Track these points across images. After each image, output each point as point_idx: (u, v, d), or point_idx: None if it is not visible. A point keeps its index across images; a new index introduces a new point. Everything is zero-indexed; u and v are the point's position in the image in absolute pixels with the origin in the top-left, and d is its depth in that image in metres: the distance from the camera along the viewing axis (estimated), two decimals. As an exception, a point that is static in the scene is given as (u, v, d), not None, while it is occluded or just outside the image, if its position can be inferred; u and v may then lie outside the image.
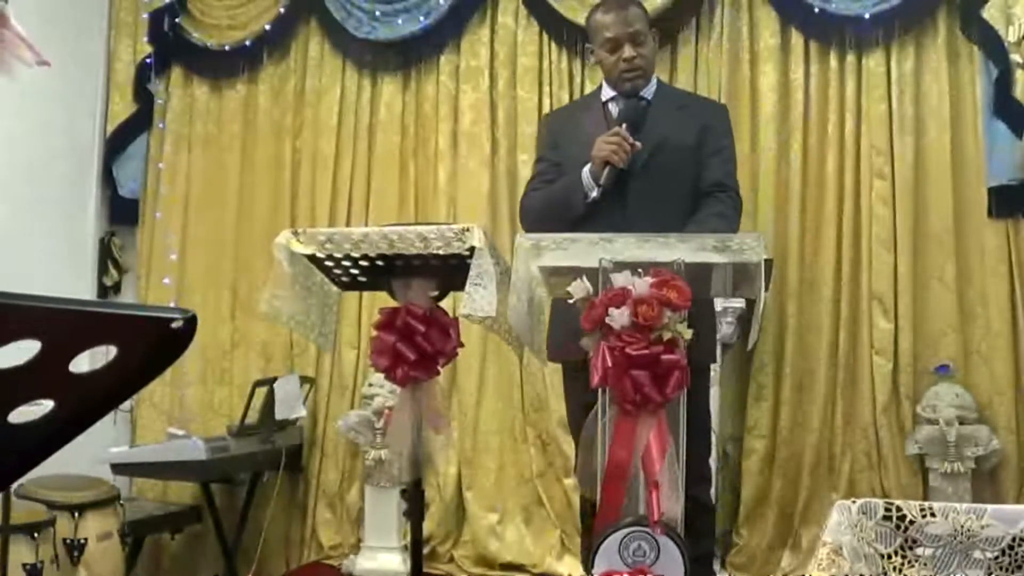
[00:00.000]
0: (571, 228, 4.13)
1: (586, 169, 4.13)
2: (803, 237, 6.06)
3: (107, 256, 7.06)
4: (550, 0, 6.40)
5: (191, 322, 0.98)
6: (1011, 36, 5.62)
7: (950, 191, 5.92)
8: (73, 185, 6.90)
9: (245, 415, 6.05)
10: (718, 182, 4.25)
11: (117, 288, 7.10)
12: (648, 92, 4.36)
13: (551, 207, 4.31)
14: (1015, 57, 5.63)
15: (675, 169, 4.21)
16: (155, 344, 0.99)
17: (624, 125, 4.13)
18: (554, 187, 4.34)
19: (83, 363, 1.01)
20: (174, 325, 0.98)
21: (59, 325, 0.97)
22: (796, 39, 6.21)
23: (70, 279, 6.73)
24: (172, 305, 6.66)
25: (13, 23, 3.12)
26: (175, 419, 6.69)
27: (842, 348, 5.98)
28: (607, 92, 4.43)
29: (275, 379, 6.26)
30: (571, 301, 3.41)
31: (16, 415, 1.04)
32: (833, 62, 6.13)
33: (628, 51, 4.29)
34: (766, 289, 3.63)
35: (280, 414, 6.18)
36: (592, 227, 4.00)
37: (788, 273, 5.99)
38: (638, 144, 4.07)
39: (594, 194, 4.12)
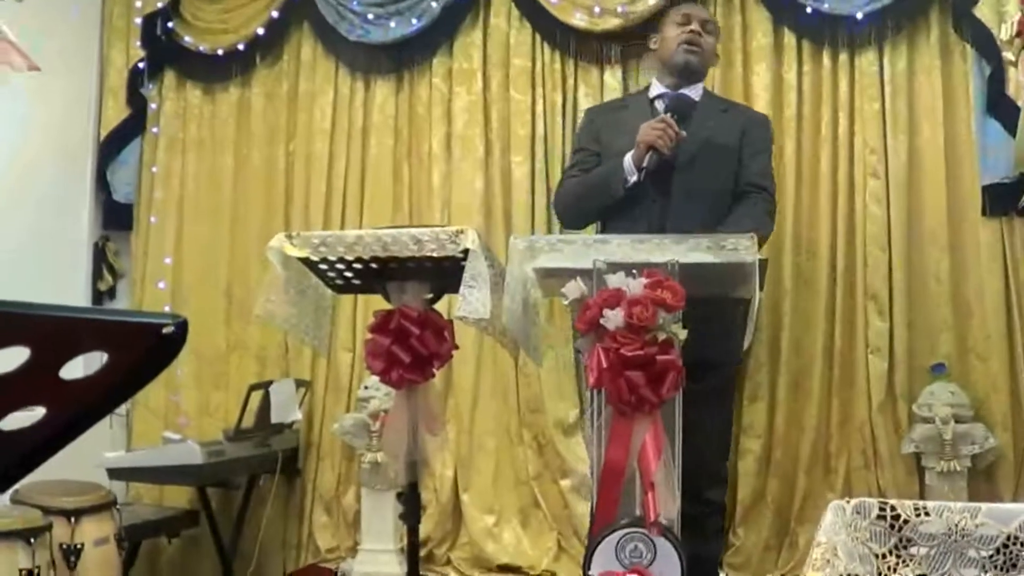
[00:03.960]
0: (610, 215, 4.17)
1: (628, 155, 4.17)
2: (797, 236, 6.05)
3: (101, 261, 7.06)
4: (542, 1, 6.40)
5: (182, 327, 0.98)
6: (1003, 34, 5.60)
7: (944, 189, 5.92)
8: (67, 190, 6.90)
9: (241, 419, 6.05)
10: (754, 182, 4.30)
11: (112, 293, 7.09)
12: (695, 93, 4.41)
13: (589, 191, 4.36)
14: (1007, 55, 5.61)
15: (716, 168, 4.26)
16: (146, 350, 0.99)
17: (671, 115, 4.17)
18: (592, 173, 4.38)
19: (74, 369, 1.01)
20: (165, 331, 0.97)
21: (48, 332, 0.97)
22: (789, 38, 6.20)
23: (64, 284, 6.73)
24: (167, 309, 6.69)
25: (3, 29, 3.12)
26: (171, 423, 6.68)
27: (837, 347, 5.97)
28: (656, 89, 4.48)
29: (271, 383, 6.26)
30: (565, 303, 3.42)
31: (7, 422, 1.04)
32: (826, 61, 6.14)
33: (695, 26, 4.37)
34: (761, 289, 3.64)
35: (276, 418, 6.18)
36: (632, 216, 4.07)
37: (783, 272, 5.99)
38: (683, 133, 4.10)
39: (634, 179, 4.16)
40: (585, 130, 4.75)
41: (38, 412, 1.04)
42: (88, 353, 1.00)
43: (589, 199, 4.35)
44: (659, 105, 4.42)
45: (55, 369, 0.99)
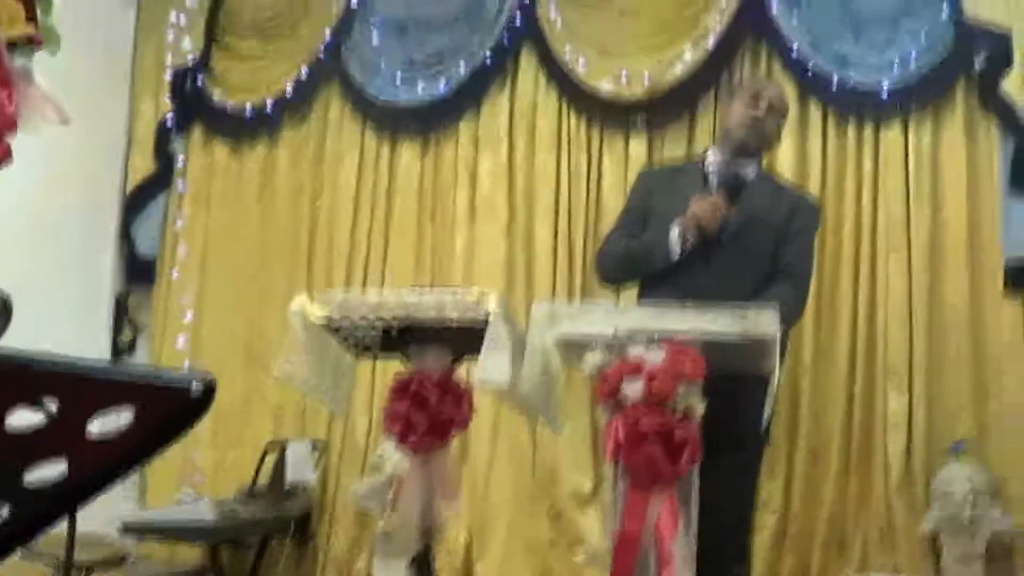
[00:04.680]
0: (648, 281, 4.19)
1: (675, 229, 4.18)
2: (818, 309, 6.03)
3: (122, 314, 7.08)
4: (569, 68, 6.44)
5: (210, 388, 0.98)
6: (1029, 110, 5.64)
7: (966, 265, 5.90)
8: (91, 242, 6.93)
9: (256, 478, 6.04)
10: (791, 264, 4.30)
11: (132, 346, 7.11)
12: (749, 171, 4.43)
13: (632, 258, 4.39)
14: (1032, 130, 5.65)
15: (758, 246, 4.27)
16: (173, 409, 0.99)
17: (721, 192, 4.19)
18: (638, 240, 4.39)
19: (100, 425, 1.00)
20: (193, 391, 0.97)
21: (77, 387, 0.97)
22: (814, 110, 6.22)
23: (85, 336, 6.74)
24: (186, 365, 6.70)
25: (38, 80, 3.15)
26: (186, 479, 6.66)
27: (856, 423, 5.93)
28: (711, 160, 4.51)
29: (287, 442, 6.24)
30: (585, 373, 3.41)
31: (31, 475, 1.03)
32: (851, 134, 6.15)
33: (762, 109, 4.40)
34: (781, 363, 3.62)
35: (291, 477, 6.16)
36: (673, 284, 4.07)
37: (803, 346, 5.96)
38: (731, 211, 4.12)
39: (677, 251, 4.17)
40: (637, 192, 4.77)
41: (61, 466, 1.03)
42: (115, 409, 1.00)
43: (633, 264, 4.40)
44: (712, 178, 4.45)
45: (81, 424, 0.99)
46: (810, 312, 5.97)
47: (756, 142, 4.50)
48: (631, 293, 4.90)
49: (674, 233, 4.20)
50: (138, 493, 6.81)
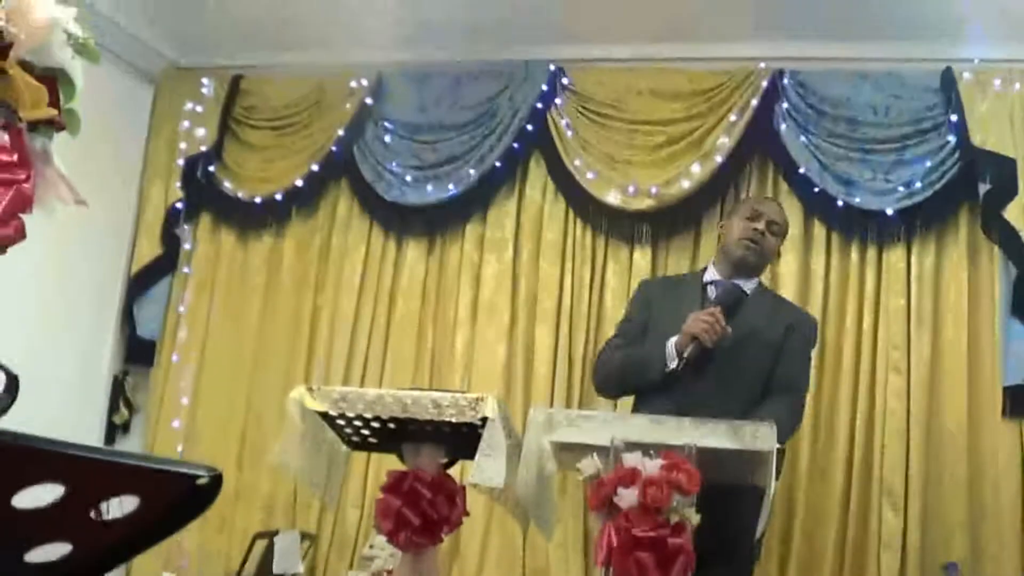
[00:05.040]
0: (643, 393, 4.20)
1: (672, 340, 4.19)
2: (816, 425, 6.04)
3: (119, 394, 7.07)
4: (578, 177, 6.50)
5: (216, 480, 0.99)
6: (1031, 237, 5.69)
7: (965, 388, 5.92)
8: (93, 321, 6.96)
9: (243, 567, 6.00)
10: (788, 379, 4.32)
11: (126, 427, 7.09)
12: (748, 287, 4.45)
13: (629, 369, 4.39)
14: (1034, 258, 5.69)
15: (755, 361, 4.29)
16: (179, 498, 1.00)
17: (720, 308, 4.21)
18: (635, 351, 4.41)
19: (106, 510, 1.02)
20: (199, 482, 0.99)
21: (84, 472, 0.98)
22: (819, 230, 6.28)
23: (80, 414, 6.74)
24: (179, 448, 6.68)
25: (56, 162, 3.19)
26: (171, 564, 6.61)
27: (850, 540, 5.91)
28: (710, 275, 4.54)
29: (276, 532, 6.21)
30: (580, 478, 3.41)
31: (33, 555, 1.04)
32: (854, 255, 6.19)
33: (761, 226, 4.43)
34: (777, 478, 3.63)
35: (278, 568, 6.12)
36: (666, 397, 4.07)
37: (799, 461, 5.96)
38: (729, 330, 4.14)
39: (673, 364, 4.18)
40: (636, 301, 4.79)
41: (64, 548, 1.04)
42: (122, 495, 1.01)
43: (628, 377, 4.39)
44: (711, 291, 4.47)
45: (86, 508, 1.01)
46: (808, 427, 5.98)
47: (755, 259, 4.53)
48: (628, 400, 4.91)
49: (670, 345, 4.22)
50: (123, 574, 6.76)
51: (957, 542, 5.79)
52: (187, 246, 7.24)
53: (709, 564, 3.52)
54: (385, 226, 6.93)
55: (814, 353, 5.97)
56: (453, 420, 3.90)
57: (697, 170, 6.33)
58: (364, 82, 6.98)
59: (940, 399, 5.96)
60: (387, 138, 6.91)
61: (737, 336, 4.22)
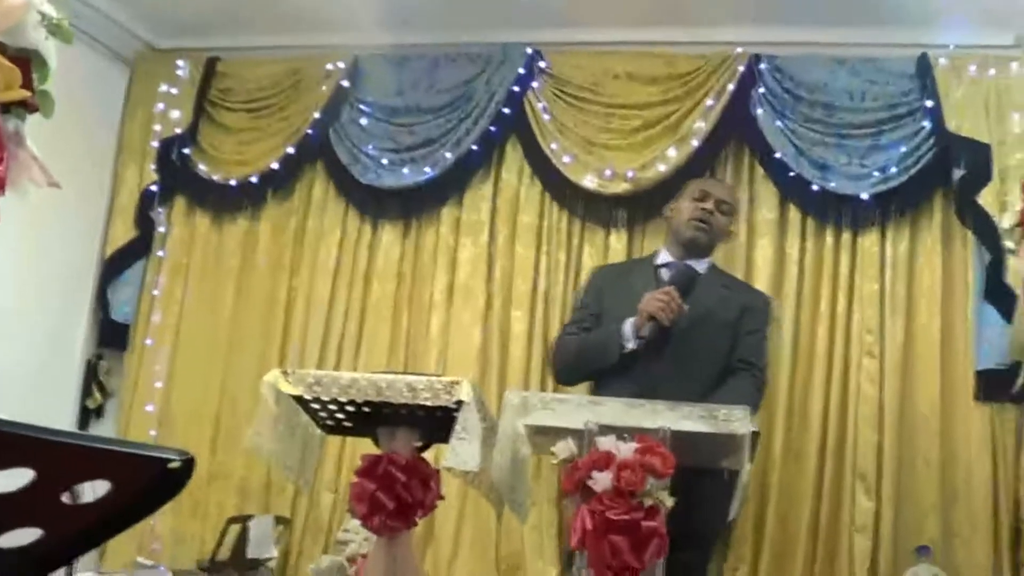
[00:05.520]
0: (602, 376, 4.19)
1: (628, 321, 4.19)
2: (790, 410, 6.06)
3: (92, 378, 7.04)
4: (554, 161, 6.50)
5: (189, 463, 0.99)
6: (1005, 223, 5.69)
7: (938, 373, 5.95)
8: (67, 304, 6.92)
9: (217, 551, 5.99)
10: (746, 359, 4.32)
11: (100, 412, 7.07)
12: (700, 267, 4.45)
13: (587, 352, 4.38)
14: (1007, 243, 5.69)
15: (711, 341, 4.29)
16: (150, 483, 1.00)
17: (674, 288, 4.21)
18: (592, 334, 4.40)
19: (76, 494, 1.01)
20: (171, 465, 0.98)
21: (55, 457, 0.98)
22: (794, 214, 6.30)
23: (53, 398, 6.72)
24: (153, 433, 6.66)
25: (29, 144, 3.18)
26: (144, 548, 6.60)
27: (823, 523, 5.94)
28: (662, 257, 4.54)
29: (250, 517, 6.20)
30: (555, 462, 3.41)
31: (3, 540, 1.04)
32: (829, 239, 6.21)
33: (710, 205, 4.43)
34: (751, 461, 3.63)
35: (252, 553, 6.11)
36: (624, 379, 4.07)
37: (773, 445, 5.98)
38: (685, 307, 4.13)
39: (631, 345, 4.18)
40: (589, 289, 4.78)
41: (35, 533, 1.04)
42: (93, 480, 1.01)
43: (586, 360, 4.38)
44: (663, 274, 4.46)
45: (57, 493, 1.00)
46: (782, 411, 6.01)
47: (706, 239, 4.52)
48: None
49: (627, 325, 4.21)
50: (96, 556, 6.74)
51: (929, 525, 5.82)
52: (161, 229, 7.21)
53: (677, 548, 3.52)
54: (361, 209, 6.92)
55: (789, 336, 6.03)
56: (428, 404, 3.89)
57: (673, 154, 6.34)
58: (340, 64, 6.96)
59: (913, 383, 6.00)
60: (363, 121, 6.89)
61: (692, 317, 4.22)
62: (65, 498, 1.01)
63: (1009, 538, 5.73)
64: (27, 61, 3.12)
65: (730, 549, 6.00)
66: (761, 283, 6.17)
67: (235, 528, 6.06)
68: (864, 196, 6.10)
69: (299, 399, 4.11)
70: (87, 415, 7.02)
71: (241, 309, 7.00)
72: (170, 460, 0.99)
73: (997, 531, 5.74)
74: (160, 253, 7.19)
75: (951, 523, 5.84)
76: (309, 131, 6.92)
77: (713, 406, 3.56)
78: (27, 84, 3.09)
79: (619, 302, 4.37)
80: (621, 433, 3.39)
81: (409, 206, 6.82)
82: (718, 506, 3.90)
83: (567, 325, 4.73)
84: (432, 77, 6.86)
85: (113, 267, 7.13)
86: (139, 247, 7.17)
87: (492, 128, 6.67)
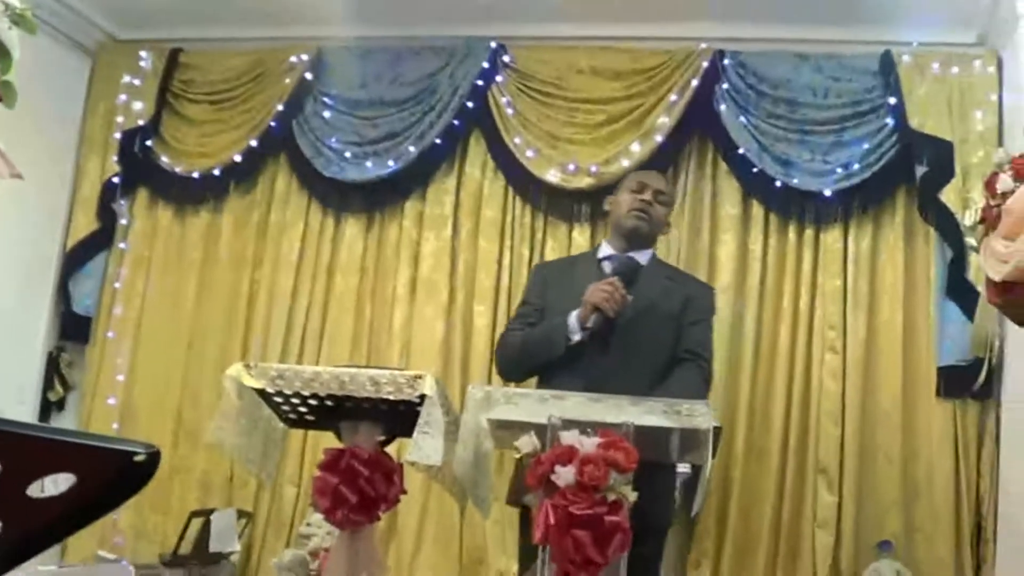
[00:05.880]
0: (547, 371, 4.18)
1: (573, 313, 4.18)
2: (752, 405, 6.09)
3: (54, 371, 7.00)
4: (518, 155, 6.50)
5: (154, 456, 0.98)
6: (967, 220, 5.70)
7: (900, 369, 5.99)
8: (28, 296, 6.88)
9: (179, 545, 5.97)
10: (691, 349, 4.31)
11: (61, 404, 7.03)
12: (643, 258, 4.44)
13: (532, 346, 4.35)
14: (970, 240, 5.71)
15: (656, 332, 4.27)
16: (116, 476, 0.99)
17: (618, 278, 4.20)
18: (536, 328, 4.38)
19: (40, 488, 1.00)
20: (136, 459, 0.98)
21: (18, 449, 0.97)
22: (757, 210, 6.32)
23: (14, 391, 6.68)
24: (115, 426, 6.63)
25: (-11, 136, 3.15)
26: (106, 542, 6.57)
27: (785, 519, 5.97)
28: (604, 250, 4.52)
29: (212, 511, 6.18)
30: (518, 456, 3.41)
31: (-35, 533, 1.03)
32: (792, 235, 6.24)
33: (648, 196, 4.42)
34: (713, 456, 3.64)
35: (215, 547, 6.09)
36: (569, 374, 4.06)
37: (735, 440, 6.01)
38: (629, 297, 4.13)
39: (577, 337, 4.17)
40: (533, 284, 4.77)
41: (-3, 525, 1.03)
42: (57, 473, 1.00)
43: (531, 354, 4.35)
44: (606, 266, 4.46)
45: (22, 486, 0.99)
46: (744, 406, 6.04)
47: (647, 228, 4.51)
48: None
49: (572, 318, 4.21)
50: (58, 550, 6.70)
51: (891, 520, 5.86)
52: (123, 221, 7.18)
53: (635, 542, 3.52)
54: (324, 202, 6.90)
55: (751, 332, 6.06)
56: (391, 398, 3.88)
57: (637, 149, 6.35)
58: (304, 57, 6.94)
59: (875, 379, 6.03)
60: (326, 114, 6.88)
61: (636, 308, 4.21)
62: (29, 492, 1.00)
63: (971, 534, 5.77)
64: (-11, 51, 3.10)
65: (693, 544, 6.02)
66: (724, 279, 6.20)
67: (197, 522, 6.05)
68: (827, 192, 6.13)
69: (262, 392, 4.09)
70: (49, 408, 6.98)
71: (203, 302, 6.98)
72: (136, 453, 0.99)
73: (959, 527, 5.78)
74: (122, 245, 7.15)
75: (913, 519, 5.88)
76: (272, 123, 6.90)
77: (676, 401, 3.56)
78: (-11, 75, 3.06)
79: (563, 297, 4.36)
80: (584, 428, 3.39)
81: (372, 199, 6.81)
82: (669, 500, 3.91)
83: (511, 322, 4.70)
84: (395, 70, 6.85)
85: (75, 259, 7.09)
86: (101, 239, 7.13)
87: (456, 122, 6.66)
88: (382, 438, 4.21)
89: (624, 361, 4.19)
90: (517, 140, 6.54)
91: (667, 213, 4.66)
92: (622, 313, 4.15)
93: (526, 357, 4.38)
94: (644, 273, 4.40)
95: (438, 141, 6.65)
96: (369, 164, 6.73)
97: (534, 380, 4.42)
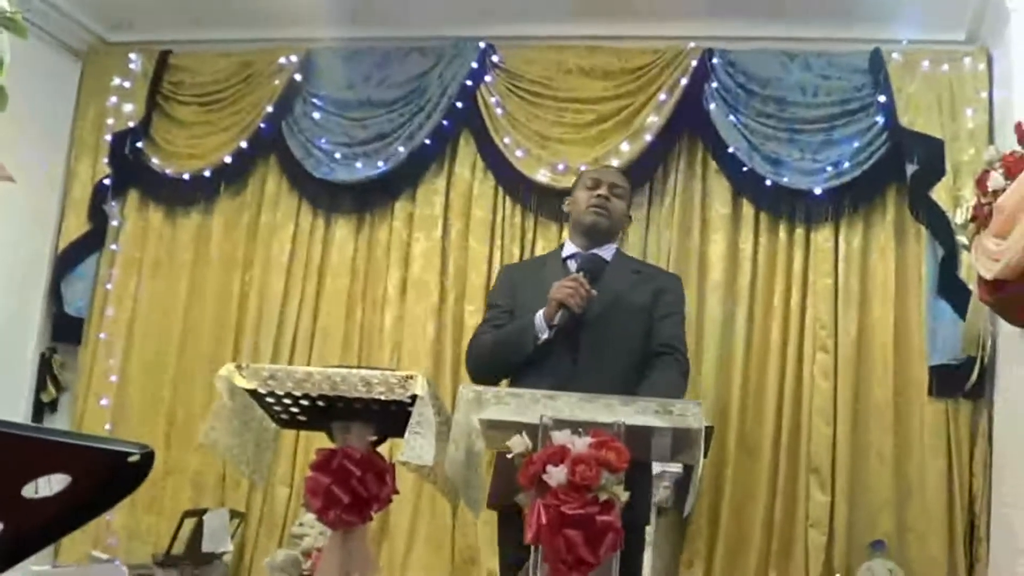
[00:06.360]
0: (518, 371, 4.17)
1: (540, 312, 4.17)
2: (744, 404, 6.10)
3: (47, 372, 7.01)
4: (507, 155, 6.51)
5: (148, 457, 0.99)
6: (958, 218, 5.72)
7: (892, 368, 6.00)
8: (20, 298, 6.88)
9: (172, 545, 5.97)
10: (667, 343, 4.30)
11: (54, 406, 7.03)
12: (607, 254, 4.44)
13: (501, 347, 4.33)
14: (961, 239, 5.72)
15: (626, 326, 4.26)
16: (110, 476, 0.99)
17: (583, 274, 4.19)
18: (505, 328, 4.37)
19: (36, 488, 1.01)
20: (131, 459, 0.98)
21: (14, 450, 0.97)
22: (747, 209, 6.33)
23: (6, 392, 6.67)
24: (108, 427, 6.63)
25: (-21, 139, 3.16)
26: (100, 542, 6.57)
27: (777, 518, 5.97)
28: (568, 249, 4.51)
29: (205, 511, 6.18)
30: (509, 456, 3.41)
31: (-39, 534, 1.03)
32: (782, 234, 6.25)
33: (604, 191, 4.41)
34: (705, 456, 3.65)
35: (207, 547, 6.09)
36: (540, 373, 4.04)
37: (727, 439, 6.02)
38: (594, 292, 4.12)
39: (545, 335, 4.15)
40: (501, 287, 4.76)
41: (-7, 526, 1.03)
42: (53, 473, 1.00)
43: (501, 355, 4.33)
44: (571, 264, 4.45)
45: (17, 486, 1.00)
46: (735, 405, 6.04)
47: (607, 223, 4.51)
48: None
49: (539, 316, 4.21)
50: (51, 550, 6.70)
51: (884, 519, 5.87)
52: (115, 223, 7.18)
53: (632, 534, 3.53)
54: (314, 203, 6.91)
55: (742, 331, 6.06)
56: (383, 398, 3.88)
57: (626, 148, 6.36)
58: (293, 58, 6.95)
59: (867, 378, 6.04)
60: (316, 115, 6.88)
61: (604, 303, 4.20)
62: (25, 492, 1.01)
63: (964, 533, 5.78)
64: (-21, 54, 3.10)
65: (685, 544, 6.03)
66: (715, 278, 6.21)
67: (190, 522, 6.05)
68: (817, 191, 6.14)
69: (253, 393, 4.09)
70: (41, 409, 6.98)
71: (195, 303, 6.98)
72: (130, 454, 0.99)
73: (952, 526, 5.79)
74: (113, 247, 7.15)
75: (905, 518, 5.88)
76: (262, 125, 6.91)
77: (668, 401, 3.56)
78: (-21, 78, 3.07)
79: (531, 297, 4.34)
80: (576, 427, 3.39)
81: (362, 200, 6.81)
82: (647, 498, 3.91)
83: (480, 324, 4.68)
84: (384, 71, 6.86)
85: (66, 261, 7.09)
86: (92, 241, 7.13)
87: (445, 122, 6.67)
88: (374, 438, 4.21)
89: (594, 358, 4.18)
90: (507, 140, 6.54)
91: (626, 206, 4.66)
92: (589, 309, 4.15)
93: (496, 359, 4.36)
94: (610, 268, 4.39)
95: (428, 142, 6.66)
96: (359, 165, 6.73)
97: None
